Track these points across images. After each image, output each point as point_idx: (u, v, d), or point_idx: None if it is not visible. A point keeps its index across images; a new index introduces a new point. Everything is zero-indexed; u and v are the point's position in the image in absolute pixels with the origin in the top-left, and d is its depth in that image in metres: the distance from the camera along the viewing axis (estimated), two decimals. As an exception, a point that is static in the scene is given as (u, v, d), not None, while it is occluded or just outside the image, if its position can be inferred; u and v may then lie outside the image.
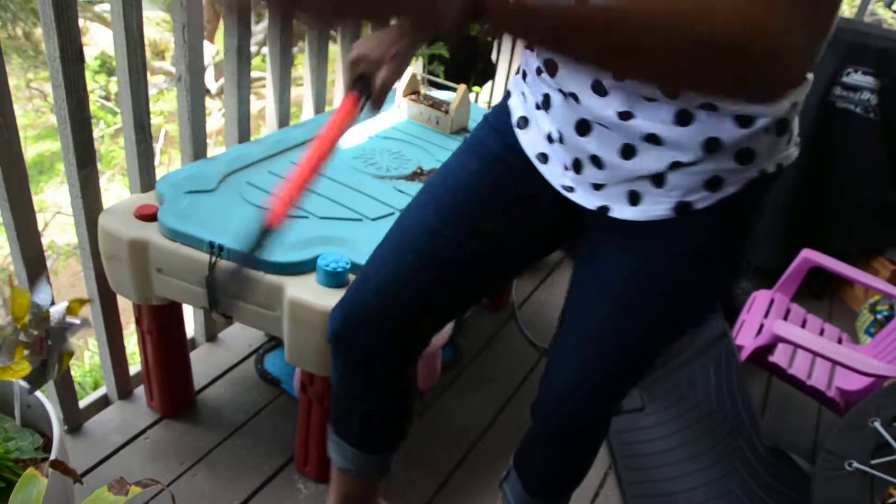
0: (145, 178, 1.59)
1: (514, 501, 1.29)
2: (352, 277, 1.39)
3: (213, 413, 1.81)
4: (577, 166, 0.93)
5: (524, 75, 0.99)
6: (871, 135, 2.51)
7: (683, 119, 0.82)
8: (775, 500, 1.61)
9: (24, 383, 1.17)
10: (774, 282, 2.22)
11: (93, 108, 1.46)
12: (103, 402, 1.77)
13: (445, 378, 2.04)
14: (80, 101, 1.39)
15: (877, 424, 1.51)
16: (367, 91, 0.99)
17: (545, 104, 0.94)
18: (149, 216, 1.46)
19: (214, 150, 3.10)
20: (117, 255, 1.46)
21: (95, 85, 6.30)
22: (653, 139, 0.85)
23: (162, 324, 1.61)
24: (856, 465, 1.46)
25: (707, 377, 1.85)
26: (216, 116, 6.24)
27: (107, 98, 6.38)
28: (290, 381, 1.88)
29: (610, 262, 0.98)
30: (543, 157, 0.98)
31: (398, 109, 2.08)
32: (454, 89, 2.09)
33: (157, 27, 7.05)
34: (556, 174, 0.97)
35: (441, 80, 2.20)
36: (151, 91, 1.52)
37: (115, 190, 5.89)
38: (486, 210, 1.03)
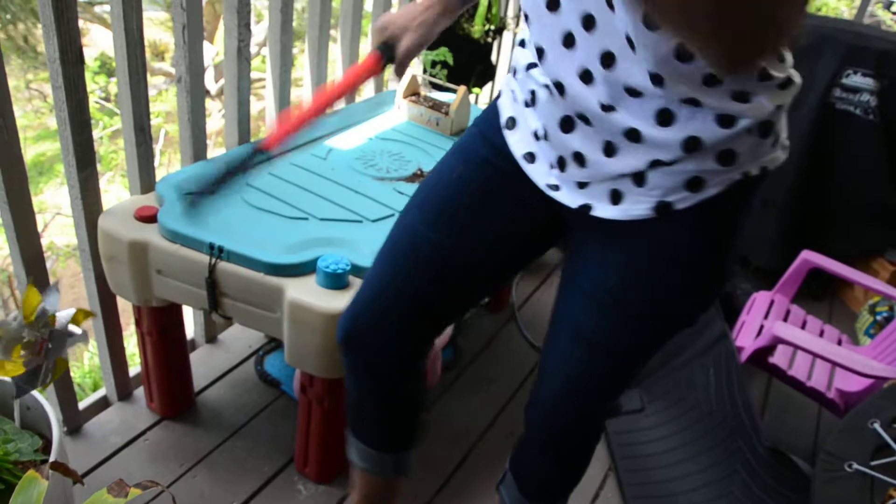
0: (145, 179, 1.59)
1: None
2: (351, 279, 1.39)
3: (212, 414, 1.80)
4: (561, 164, 0.93)
5: (514, 73, 0.99)
6: (870, 136, 2.51)
7: (665, 117, 0.82)
8: (775, 502, 1.61)
9: (12, 384, 1.17)
10: (774, 283, 2.22)
11: (92, 109, 1.46)
12: (103, 404, 1.77)
13: (445, 379, 2.04)
14: (79, 103, 1.39)
15: (876, 426, 1.51)
16: (391, 55, 1.04)
17: (533, 100, 0.94)
18: (149, 217, 1.46)
19: (214, 151, 3.10)
20: (117, 256, 1.46)
21: (95, 86, 6.30)
22: (634, 135, 0.84)
23: (162, 325, 1.61)
24: (856, 466, 1.46)
25: (707, 378, 1.85)
26: (216, 117, 6.24)
27: (106, 99, 6.38)
28: (289, 383, 1.88)
29: (592, 262, 0.98)
30: (530, 157, 0.98)
31: (398, 111, 2.08)
32: (454, 91, 2.09)
33: (157, 28, 7.05)
34: (541, 173, 0.97)
35: (441, 82, 2.20)
36: (151, 92, 1.52)
37: (115, 191, 5.89)
38: (474, 214, 1.04)
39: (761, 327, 2.06)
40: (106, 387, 1.78)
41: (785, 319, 2.13)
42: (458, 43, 2.46)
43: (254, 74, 1.81)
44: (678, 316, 1.00)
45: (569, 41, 0.83)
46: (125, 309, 1.68)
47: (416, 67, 2.40)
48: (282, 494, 1.63)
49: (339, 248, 1.43)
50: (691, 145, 0.83)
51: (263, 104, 2.01)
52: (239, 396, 1.87)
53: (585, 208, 0.93)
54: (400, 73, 1.08)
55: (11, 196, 1.35)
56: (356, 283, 1.39)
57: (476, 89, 2.67)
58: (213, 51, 6.52)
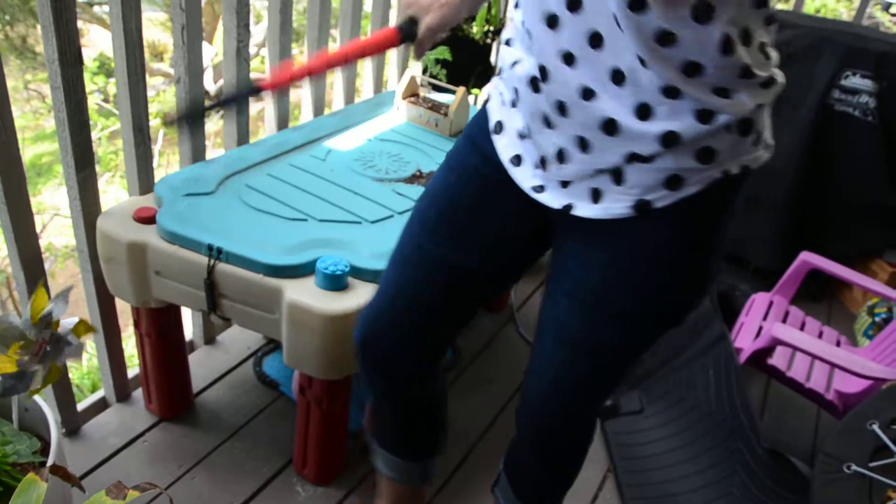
0: (144, 180, 1.59)
1: None
2: (351, 280, 1.39)
3: (211, 416, 1.80)
4: (543, 162, 0.94)
5: (500, 72, 1.00)
6: (869, 138, 2.51)
7: (644, 111, 0.82)
8: (774, 503, 1.61)
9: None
10: (773, 284, 2.22)
11: (90, 110, 1.46)
12: (101, 405, 1.77)
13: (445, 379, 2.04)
14: (78, 104, 1.39)
15: (875, 427, 1.51)
16: (411, 33, 1.04)
17: (517, 98, 0.95)
18: (147, 219, 1.45)
19: (213, 152, 3.10)
20: (116, 257, 1.46)
21: (94, 87, 6.29)
22: (610, 127, 0.84)
23: (160, 326, 1.61)
24: (854, 467, 1.46)
25: (706, 379, 1.85)
26: (215, 118, 6.24)
27: (105, 100, 6.37)
28: (288, 384, 1.88)
29: (574, 262, 0.99)
30: (517, 160, 0.98)
31: (397, 112, 2.08)
32: (453, 92, 2.09)
33: (156, 28, 7.05)
34: (527, 176, 0.97)
35: (440, 83, 2.20)
36: (150, 92, 1.52)
37: (114, 192, 5.89)
38: (470, 224, 1.06)
39: (760, 328, 2.06)
40: (104, 388, 1.78)
41: (784, 321, 2.13)
42: (458, 44, 2.46)
43: (253, 75, 1.81)
44: (662, 315, 0.99)
45: (552, 22, 0.83)
46: (124, 310, 1.68)
47: (415, 68, 2.40)
48: (280, 496, 1.62)
49: (338, 250, 1.43)
50: (669, 140, 0.82)
51: (262, 105, 2.01)
52: (238, 398, 1.87)
53: (567, 208, 0.93)
54: (419, 53, 1.08)
55: (10, 197, 1.34)
56: (355, 284, 1.39)
57: (475, 90, 2.67)
58: (212, 51, 6.52)
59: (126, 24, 1.39)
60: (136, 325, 1.63)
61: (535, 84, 0.89)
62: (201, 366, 1.93)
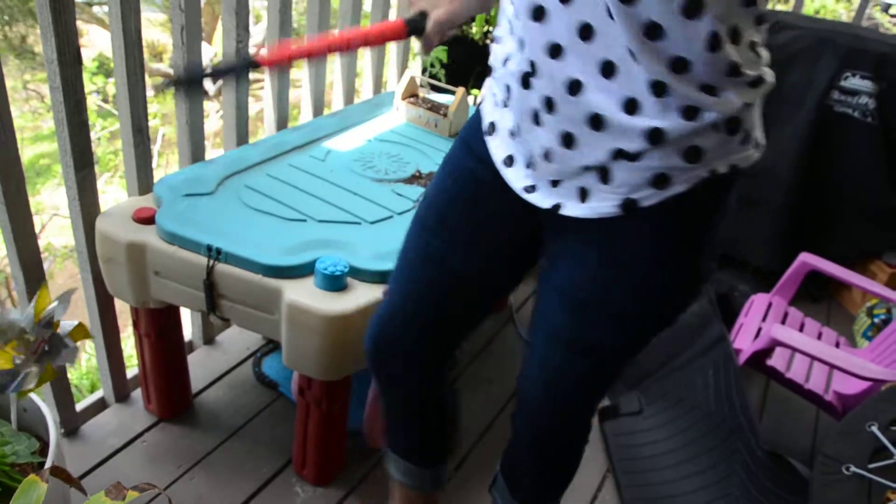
0: (143, 180, 1.59)
1: None
2: (350, 281, 1.39)
3: (210, 416, 1.80)
4: (532, 161, 0.94)
5: (493, 71, 1.00)
6: (869, 139, 2.51)
7: (630, 106, 0.81)
8: (773, 504, 1.61)
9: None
10: (772, 285, 2.22)
11: (89, 110, 1.46)
12: (100, 405, 1.77)
13: (443, 381, 2.04)
14: (77, 104, 1.38)
15: (874, 429, 1.51)
16: (419, 27, 1.05)
17: (508, 97, 0.95)
18: (146, 219, 1.45)
19: (212, 152, 3.10)
20: (115, 258, 1.45)
21: (93, 86, 6.29)
22: (597, 122, 0.84)
23: (159, 327, 1.61)
24: (853, 469, 1.46)
25: (705, 380, 1.85)
26: (214, 118, 6.24)
27: (104, 100, 6.37)
28: (287, 385, 1.88)
29: (564, 262, 0.99)
30: (509, 160, 0.98)
31: (397, 112, 2.08)
32: (453, 92, 2.09)
33: (156, 29, 7.05)
34: (518, 176, 0.97)
35: (440, 84, 2.20)
36: (149, 92, 1.52)
37: (113, 192, 5.89)
38: (469, 227, 1.06)
39: (759, 329, 2.06)
40: (103, 388, 1.78)
41: (783, 322, 2.13)
42: (457, 44, 2.46)
43: (252, 75, 1.80)
44: (653, 315, 0.99)
45: (539, 14, 0.83)
46: (123, 310, 1.68)
47: (415, 69, 2.40)
48: (280, 496, 1.62)
49: (338, 250, 1.43)
50: (655, 136, 0.82)
51: (261, 105, 2.01)
52: (237, 398, 1.87)
53: (556, 208, 0.93)
54: (426, 47, 1.08)
55: (8, 197, 1.34)
56: (354, 285, 1.39)
57: (475, 91, 2.67)
58: (212, 51, 6.52)
59: (125, 25, 1.39)
60: (136, 325, 1.63)
61: (526, 80, 0.89)
62: (200, 366, 1.93)
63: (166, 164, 6.28)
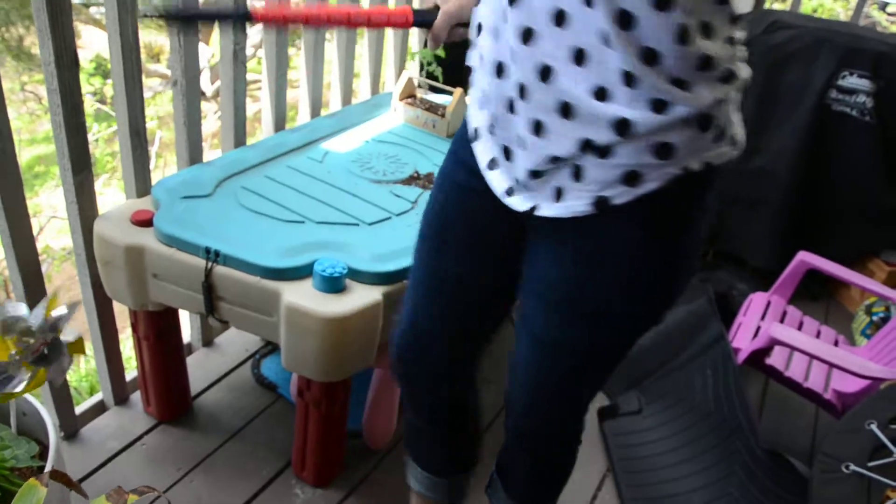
0: (141, 183, 1.59)
1: None
2: (348, 283, 1.39)
3: (209, 418, 1.80)
4: (507, 153, 0.94)
5: (473, 72, 1.00)
6: (867, 138, 2.51)
7: (600, 93, 0.81)
8: (773, 503, 1.61)
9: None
10: (771, 284, 2.23)
11: (87, 112, 1.46)
12: (99, 408, 1.77)
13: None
14: (75, 106, 1.38)
15: (873, 427, 1.51)
16: (427, 20, 1.06)
17: (487, 91, 0.95)
18: (145, 222, 1.45)
19: (210, 153, 3.10)
20: (113, 260, 1.45)
21: (90, 87, 6.28)
22: (566, 110, 0.83)
23: (158, 329, 1.61)
24: (853, 467, 1.46)
25: (704, 379, 1.85)
26: (212, 119, 6.23)
27: (101, 101, 6.36)
28: (286, 386, 1.88)
29: (542, 263, 0.99)
30: (493, 163, 0.98)
31: (394, 113, 2.08)
32: (450, 93, 2.08)
33: (153, 30, 7.04)
34: (500, 179, 0.97)
35: (437, 84, 2.20)
36: (146, 94, 1.51)
37: (111, 194, 5.88)
38: (468, 239, 1.08)
39: (758, 328, 2.06)
40: (102, 391, 1.78)
41: (781, 320, 2.13)
42: (456, 44, 2.45)
43: (250, 76, 1.81)
44: (630, 314, 0.98)
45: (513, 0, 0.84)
46: (121, 313, 1.68)
47: (412, 69, 2.40)
48: (279, 498, 1.62)
49: (336, 252, 1.42)
50: (623, 127, 0.81)
51: (259, 106, 2.01)
52: (236, 400, 1.87)
53: (533, 209, 0.93)
54: (435, 41, 1.09)
55: (6, 201, 1.34)
56: (353, 286, 1.39)
57: (472, 91, 2.66)
58: (209, 52, 6.52)
59: (122, 27, 1.39)
60: (134, 328, 1.62)
61: (500, 69, 0.89)
62: (199, 368, 1.93)
63: (164, 165, 6.27)
